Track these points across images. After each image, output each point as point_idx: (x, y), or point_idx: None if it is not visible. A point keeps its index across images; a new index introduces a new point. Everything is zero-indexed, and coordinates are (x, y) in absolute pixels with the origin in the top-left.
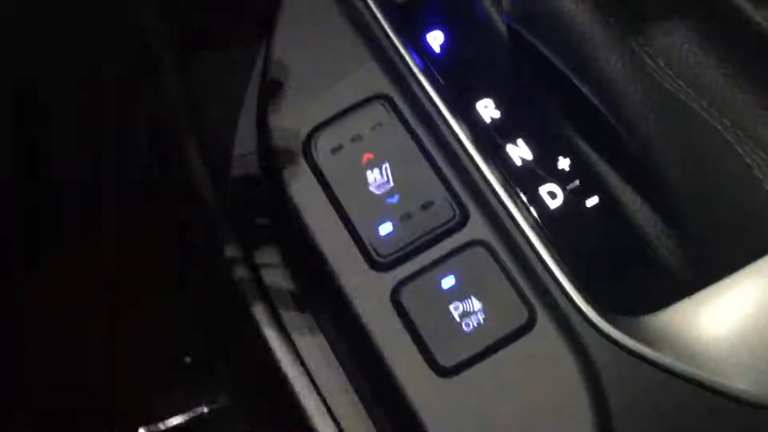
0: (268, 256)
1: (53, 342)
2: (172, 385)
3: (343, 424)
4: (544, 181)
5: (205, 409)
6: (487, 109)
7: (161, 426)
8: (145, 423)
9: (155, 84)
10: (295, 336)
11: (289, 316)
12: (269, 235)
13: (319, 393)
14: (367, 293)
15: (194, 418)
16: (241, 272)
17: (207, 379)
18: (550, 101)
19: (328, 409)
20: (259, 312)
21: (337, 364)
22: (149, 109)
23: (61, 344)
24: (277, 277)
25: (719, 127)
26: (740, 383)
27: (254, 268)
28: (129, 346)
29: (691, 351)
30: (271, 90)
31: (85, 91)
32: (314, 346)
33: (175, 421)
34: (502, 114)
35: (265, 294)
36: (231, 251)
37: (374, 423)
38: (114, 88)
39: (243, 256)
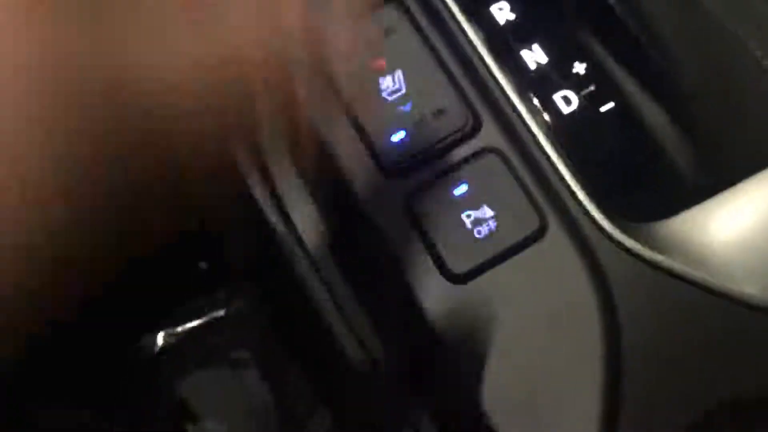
0: (278, 163)
1: None
2: (188, 290)
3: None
4: (558, 87)
5: (222, 313)
6: (502, 12)
7: (179, 329)
8: (163, 328)
9: None
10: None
11: (300, 216)
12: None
13: (335, 302)
14: (380, 200)
15: (211, 321)
16: (253, 178)
17: (223, 283)
18: (567, 4)
19: (344, 317)
20: (270, 211)
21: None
22: None
23: None
24: (287, 182)
25: (739, 33)
26: (750, 288)
27: (265, 174)
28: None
29: (701, 257)
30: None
31: None
32: (322, 246)
33: (193, 324)
34: (517, 17)
35: (275, 196)
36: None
37: (384, 330)
38: None
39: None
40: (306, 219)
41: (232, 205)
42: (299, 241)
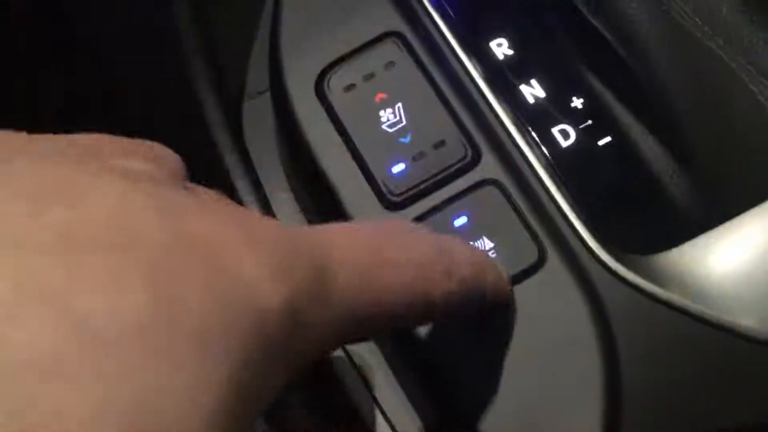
0: (279, 194)
1: None
2: None
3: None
4: (557, 121)
5: None
6: (501, 48)
7: None
8: None
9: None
10: None
11: None
12: (281, 173)
13: None
14: None
15: None
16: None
17: None
18: (565, 39)
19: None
20: None
21: None
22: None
23: None
24: (288, 212)
25: (734, 65)
26: (748, 321)
27: (266, 205)
28: None
29: (699, 289)
30: (283, 28)
31: None
32: None
33: None
34: (515, 52)
35: None
36: (241, 187)
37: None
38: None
39: (254, 194)
40: None
41: None
42: None
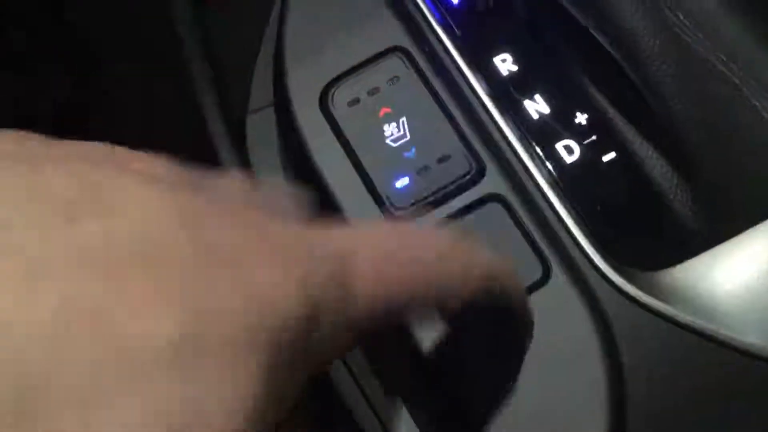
0: None
1: None
2: None
3: None
4: (561, 137)
5: None
6: (505, 63)
7: None
8: None
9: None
10: None
11: None
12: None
13: None
14: None
15: None
16: None
17: None
18: (569, 55)
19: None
20: None
21: None
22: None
23: None
24: None
25: (737, 81)
26: (752, 337)
27: None
28: None
29: (703, 305)
30: (287, 42)
31: None
32: None
33: None
34: (520, 68)
35: None
36: None
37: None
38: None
39: None
40: None
41: None
42: None
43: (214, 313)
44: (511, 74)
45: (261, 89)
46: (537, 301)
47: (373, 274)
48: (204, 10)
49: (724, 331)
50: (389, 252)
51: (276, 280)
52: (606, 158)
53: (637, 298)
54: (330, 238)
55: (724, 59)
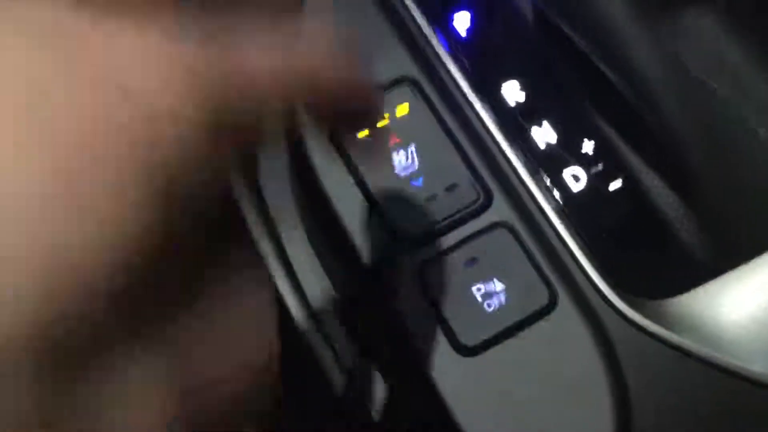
0: (293, 238)
1: None
2: None
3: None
4: (567, 164)
5: None
6: (512, 92)
7: None
8: None
9: None
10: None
11: (312, 291)
12: (295, 216)
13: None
14: (392, 272)
15: None
16: (265, 248)
17: None
18: (575, 84)
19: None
20: (282, 284)
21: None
22: None
23: None
24: (301, 257)
25: (742, 112)
26: (758, 366)
27: (281, 250)
28: None
29: (710, 334)
30: None
31: None
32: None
33: None
34: (527, 96)
35: (290, 270)
36: (256, 232)
37: (393, 400)
38: None
39: (268, 235)
40: (316, 287)
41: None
42: (306, 305)
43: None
44: (519, 103)
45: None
46: (543, 328)
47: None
48: None
49: (729, 360)
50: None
51: (152, 86)
52: (612, 187)
53: (643, 325)
54: (216, 48)
55: (729, 89)
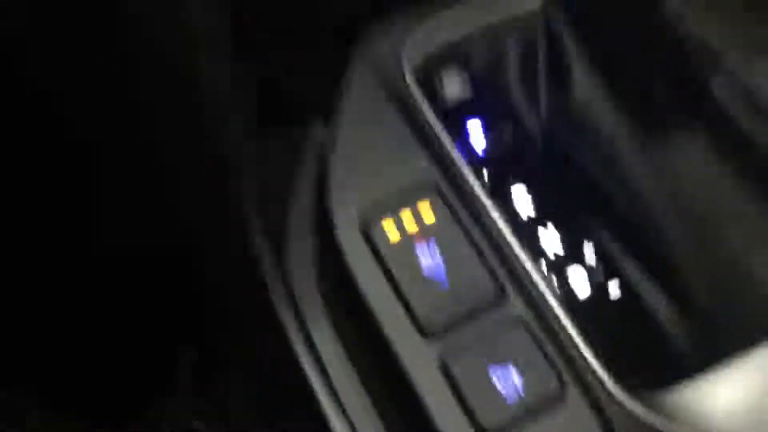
0: (319, 323)
1: None
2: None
3: None
4: (570, 263)
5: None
6: (521, 201)
7: None
8: None
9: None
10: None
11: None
12: (324, 306)
13: None
14: (417, 359)
15: None
16: (295, 339)
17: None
18: (577, 192)
19: None
20: (309, 368)
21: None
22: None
23: None
24: (329, 345)
25: (734, 231)
26: None
27: (308, 338)
28: None
29: (706, 424)
30: (331, 179)
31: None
32: (360, 403)
33: None
34: (535, 204)
35: (317, 358)
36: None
37: None
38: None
39: (298, 328)
40: (337, 365)
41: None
42: (329, 384)
43: None
44: (526, 205)
45: (299, 217)
46: (555, 418)
47: None
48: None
49: None
50: None
51: None
52: (613, 294)
53: (645, 418)
54: None
55: (723, 211)
